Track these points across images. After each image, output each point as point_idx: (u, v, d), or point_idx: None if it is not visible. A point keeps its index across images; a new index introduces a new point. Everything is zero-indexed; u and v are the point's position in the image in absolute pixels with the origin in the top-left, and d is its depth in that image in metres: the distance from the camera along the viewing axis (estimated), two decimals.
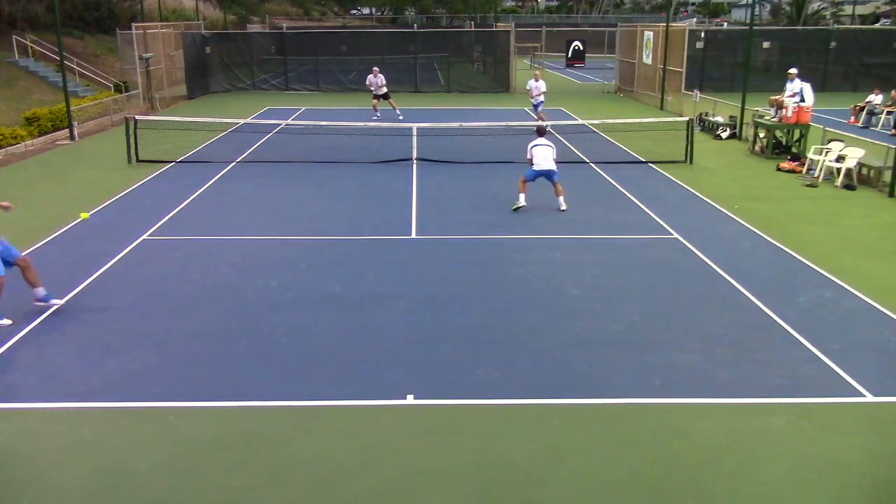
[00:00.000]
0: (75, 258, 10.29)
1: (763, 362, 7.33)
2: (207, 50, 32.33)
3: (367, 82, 23.71)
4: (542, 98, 21.73)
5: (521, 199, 12.52)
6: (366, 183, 14.81)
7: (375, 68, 23.68)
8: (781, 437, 6.09)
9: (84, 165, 16.97)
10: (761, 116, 18.58)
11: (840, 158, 15.03)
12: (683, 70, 25.31)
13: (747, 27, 26.46)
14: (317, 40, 35.48)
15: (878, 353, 7.58)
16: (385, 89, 23.45)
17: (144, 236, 11.32)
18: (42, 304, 8.43)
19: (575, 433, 6.16)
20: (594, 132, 20.59)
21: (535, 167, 12.53)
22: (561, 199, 12.65)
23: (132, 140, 16.59)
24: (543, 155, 12.55)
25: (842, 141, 15.60)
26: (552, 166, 12.54)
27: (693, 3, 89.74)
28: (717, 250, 10.68)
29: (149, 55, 27.23)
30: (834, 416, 6.41)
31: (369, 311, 8.53)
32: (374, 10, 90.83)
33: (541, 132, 13.22)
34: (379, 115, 23.12)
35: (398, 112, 23.35)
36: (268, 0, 67.58)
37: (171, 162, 16.64)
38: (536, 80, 21.81)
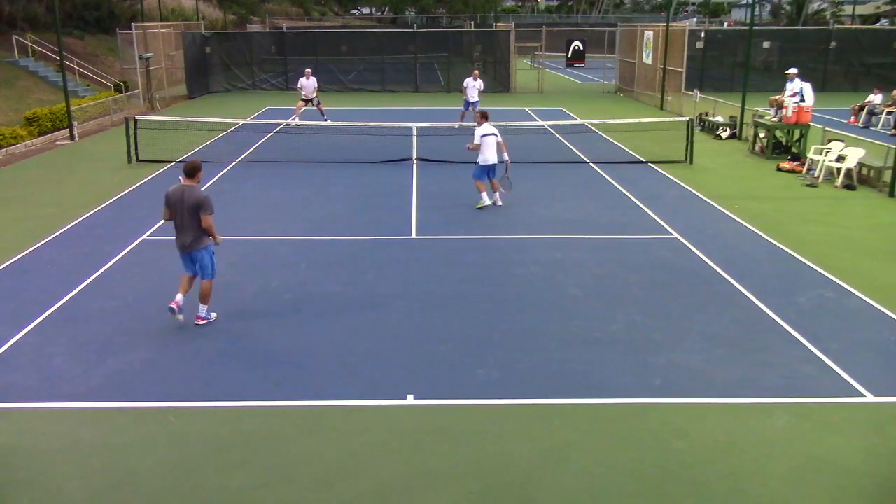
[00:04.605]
0: (75, 258, 10.29)
1: (763, 362, 7.33)
2: (207, 50, 32.33)
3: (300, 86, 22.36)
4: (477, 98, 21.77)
5: (485, 198, 12.33)
6: (366, 183, 14.82)
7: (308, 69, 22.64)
8: (781, 437, 6.09)
9: (84, 165, 16.97)
10: (761, 116, 18.57)
11: (840, 158, 15.03)
12: (683, 70, 25.33)
13: (747, 27, 26.43)
14: (317, 40, 35.51)
15: (878, 353, 7.57)
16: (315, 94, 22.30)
17: (144, 236, 11.31)
18: None
19: (575, 433, 6.15)
20: (594, 132, 20.60)
21: (483, 161, 12.25)
22: (497, 194, 12.65)
23: (132, 140, 16.60)
24: (490, 145, 12.19)
25: (842, 141, 15.59)
26: (496, 159, 12.29)
27: (693, 3, 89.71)
28: (717, 250, 10.68)
29: (149, 55, 27.23)
30: (834, 416, 6.41)
31: (369, 311, 8.53)
32: (374, 10, 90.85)
33: (485, 116, 12.72)
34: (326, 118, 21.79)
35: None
36: (268, 0, 67.60)
37: (171, 162, 16.64)
38: (475, 80, 21.75)
